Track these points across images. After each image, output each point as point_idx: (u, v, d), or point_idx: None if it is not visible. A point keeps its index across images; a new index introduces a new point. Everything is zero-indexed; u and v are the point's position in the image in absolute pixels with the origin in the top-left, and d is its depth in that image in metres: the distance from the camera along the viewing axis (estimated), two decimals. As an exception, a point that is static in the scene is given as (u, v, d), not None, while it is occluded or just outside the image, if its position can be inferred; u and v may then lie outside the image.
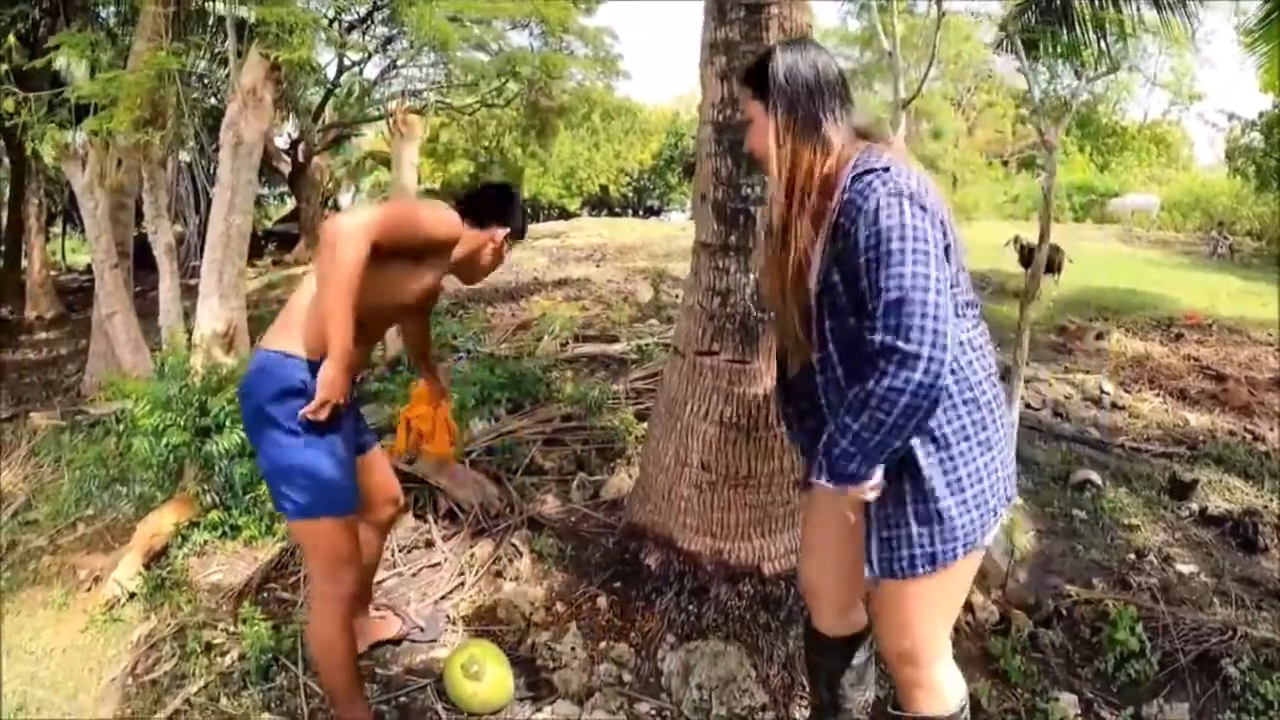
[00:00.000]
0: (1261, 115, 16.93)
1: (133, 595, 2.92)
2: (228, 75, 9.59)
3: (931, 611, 1.65)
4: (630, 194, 31.53)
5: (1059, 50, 5.89)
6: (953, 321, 1.41)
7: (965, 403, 1.52)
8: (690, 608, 2.64)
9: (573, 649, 2.53)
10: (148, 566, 3.06)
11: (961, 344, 1.52)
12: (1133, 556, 3.38)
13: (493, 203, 2.27)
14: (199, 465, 3.50)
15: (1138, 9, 5.19)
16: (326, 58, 15.27)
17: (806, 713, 2.34)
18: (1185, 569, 3.30)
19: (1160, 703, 2.42)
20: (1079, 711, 2.41)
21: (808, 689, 2.29)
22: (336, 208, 23.96)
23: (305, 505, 1.96)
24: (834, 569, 1.83)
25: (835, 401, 1.55)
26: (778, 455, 2.62)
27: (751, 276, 2.45)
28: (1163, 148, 26.39)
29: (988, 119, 28.84)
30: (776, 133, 1.53)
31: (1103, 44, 5.36)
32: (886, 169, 1.46)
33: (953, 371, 1.48)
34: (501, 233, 2.22)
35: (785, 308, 1.62)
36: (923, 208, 1.42)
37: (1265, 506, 3.89)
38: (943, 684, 1.70)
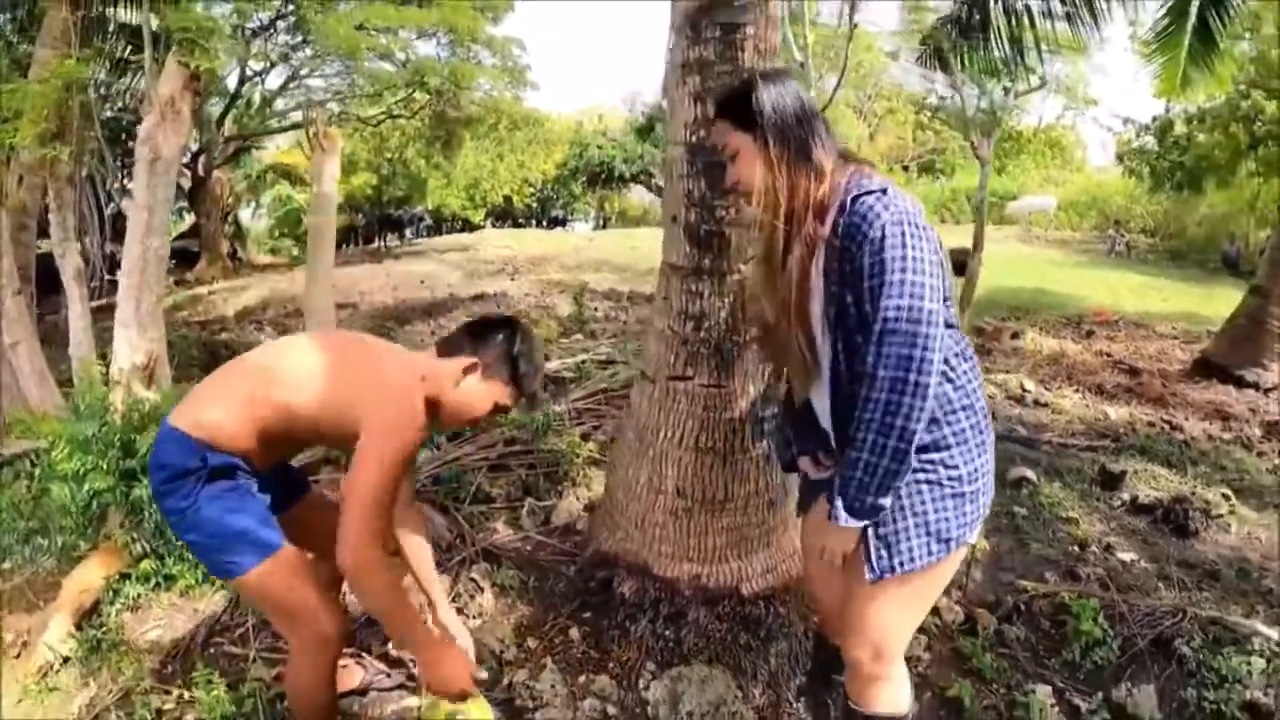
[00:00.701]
0: (1155, 119, 18.17)
1: (66, 660, 2.68)
2: (128, 85, 9.08)
3: (912, 606, 1.74)
4: (534, 204, 31.37)
5: (975, 65, 6.17)
6: (944, 337, 1.49)
7: (963, 408, 1.62)
8: (667, 633, 2.60)
9: (552, 686, 2.45)
10: (79, 626, 2.82)
11: (958, 354, 1.62)
12: (1076, 548, 3.51)
13: (466, 332, 2.03)
14: (125, 511, 3.25)
15: (1052, 26, 5.46)
16: (228, 67, 14.62)
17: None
18: (1126, 557, 3.46)
19: (1128, 686, 2.54)
20: (1054, 701, 2.49)
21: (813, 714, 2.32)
22: (236, 223, 23.05)
23: (231, 563, 1.88)
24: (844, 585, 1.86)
25: (845, 420, 1.60)
26: (753, 477, 2.60)
27: (727, 300, 2.42)
28: (1057, 150, 27.88)
29: (888, 125, 29.88)
30: (771, 163, 1.58)
31: (1019, 59, 5.64)
32: (884, 191, 1.52)
33: (951, 380, 1.60)
34: (466, 362, 1.95)
35: (790, 333, 1.65)
36: (923, 233, 1.48)
37: (1193, 492, 4.12)
38: (901, 682, 1.81)
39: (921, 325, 1.44)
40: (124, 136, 11.03)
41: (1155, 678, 2.61)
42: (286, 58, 15.18)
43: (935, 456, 1.60)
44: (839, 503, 1.58)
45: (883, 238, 1.46)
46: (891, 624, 1.72)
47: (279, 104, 17.72)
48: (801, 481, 2.01)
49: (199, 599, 3.06)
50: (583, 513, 3.50)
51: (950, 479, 1.61)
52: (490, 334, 2.00)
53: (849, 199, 1.52)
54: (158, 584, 3.09)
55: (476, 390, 1.97)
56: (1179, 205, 18.23)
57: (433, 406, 1.97)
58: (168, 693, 2.50)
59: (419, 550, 2.31)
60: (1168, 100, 15.13)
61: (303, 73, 16.04)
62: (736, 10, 2.25)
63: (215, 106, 16.18)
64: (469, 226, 28.66)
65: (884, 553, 1.62)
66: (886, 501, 1.57)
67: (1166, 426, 5.34)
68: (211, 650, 2.75)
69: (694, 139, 2.35)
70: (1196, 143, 16.39)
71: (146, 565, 3.09)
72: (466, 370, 1.95)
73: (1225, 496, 4.11)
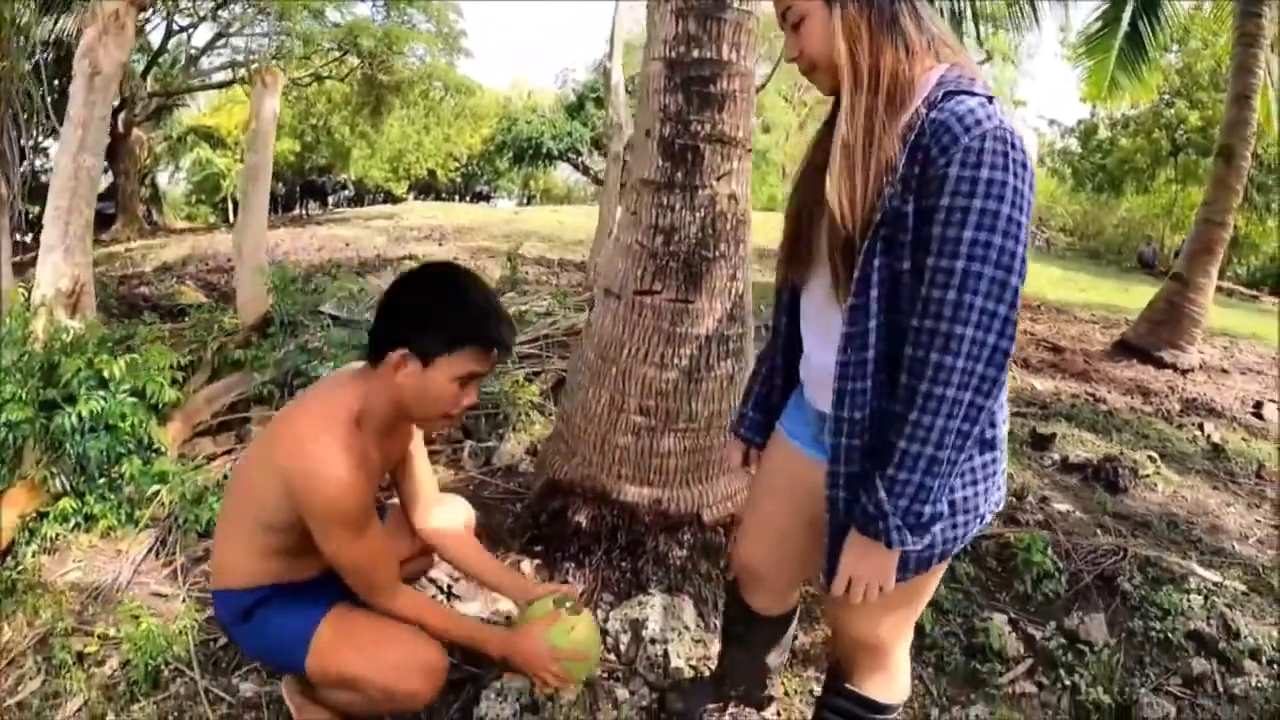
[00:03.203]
0: (1080, 123, 18.99)
1: (-22, 604, 2.47)
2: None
3: (908, 604, 1.52)
4: (458, 179, 30.71)
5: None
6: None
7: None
8: (624, 564, 2.55)
9: (508, 620, 2.37)
10: (-7, 569, 2.61)
11: None
12: (1014, 499, 3.60)
13: (379, 318, 1.61)
14: (43, 445, 3.03)
15: (990, 25, 5.59)
16: (152, 22, 13.94)
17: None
18: (1061, 507, 3.56)
19: (1079, 615, 2.60)
20: (1010, 629, 2.54)
21: (720, 651, 2.14)
22: (154, 185, 22.01)
23: (292, 666, 1.82)
24: (783, 552, 1.65)
25: (854, 361, 1.27)
26: (717, 398, 2.56)
27: (698, 215, 2.39)
28: (983, 148, 28.78)
29: (818, 114, 30.42)
30: (849, 29, 1.26)
31: (958, 36, 5.79)
32: (990, 99, 1.21)
33: None
34: (394, 357, 1.56)
35: (839, 230, 1.27)
36: (1024, 162, 1.19)
37: (1120, 453, 4.28)
38: (901, 671, 1.61)
39: (1013, 276, 1.15)
40: (62, 58, 10.21)
41: (1103, 610, 2.70)
42: (215, 13, 14.56)
43: None
44: (892, 519, 1.22)
45: (981, 150, 1.14)
46: (882, 622, 1.50)
47: (204, 63, 17.03)
48: (760, 398, 1.72)
49: (121, 539, 2.88)
50: (525, 455, 3.45)
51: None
52: (404, 303, 1.59)
53: (941, 93, 1.21)
54: (77, 524, 2.90)
55: (426, 380, 1.57)
56: (1098, 207, 19.11)
57: (391, 426, 1.71)
58: (89, 634, 2.34)
59: (464, 546, 2.05)
60: (1093, 104, 15.83)
61: (230, 30, 15.41)
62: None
63: (138, 62, 15.39)
64: (391, 199, 28.08)
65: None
66: (946, 509, 1.25)
67: (1091, 398, 5.54)
68: (136, 590, 2.59)
69: (673, 55, 2.36)
70: (1119, 147, 17.20)
71: (65, 504, 2.89)
72: (397, 367, 1.57)
73: (1151, 459, 4.29)
